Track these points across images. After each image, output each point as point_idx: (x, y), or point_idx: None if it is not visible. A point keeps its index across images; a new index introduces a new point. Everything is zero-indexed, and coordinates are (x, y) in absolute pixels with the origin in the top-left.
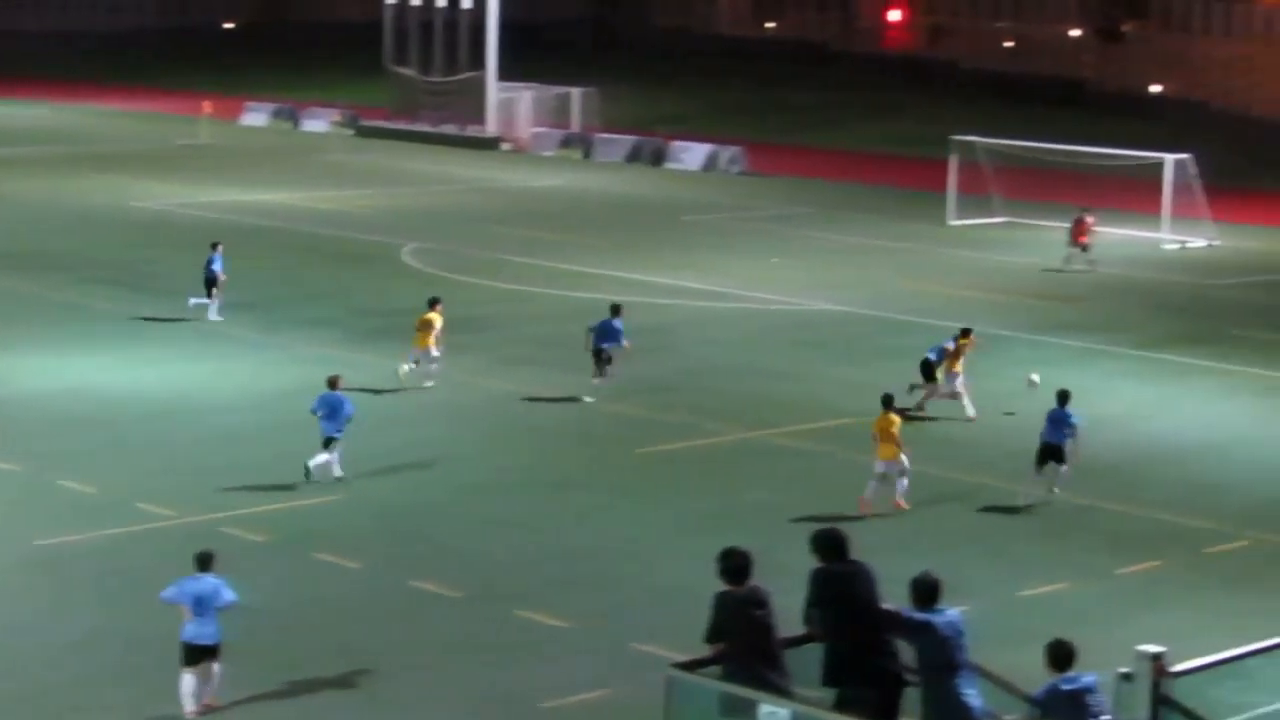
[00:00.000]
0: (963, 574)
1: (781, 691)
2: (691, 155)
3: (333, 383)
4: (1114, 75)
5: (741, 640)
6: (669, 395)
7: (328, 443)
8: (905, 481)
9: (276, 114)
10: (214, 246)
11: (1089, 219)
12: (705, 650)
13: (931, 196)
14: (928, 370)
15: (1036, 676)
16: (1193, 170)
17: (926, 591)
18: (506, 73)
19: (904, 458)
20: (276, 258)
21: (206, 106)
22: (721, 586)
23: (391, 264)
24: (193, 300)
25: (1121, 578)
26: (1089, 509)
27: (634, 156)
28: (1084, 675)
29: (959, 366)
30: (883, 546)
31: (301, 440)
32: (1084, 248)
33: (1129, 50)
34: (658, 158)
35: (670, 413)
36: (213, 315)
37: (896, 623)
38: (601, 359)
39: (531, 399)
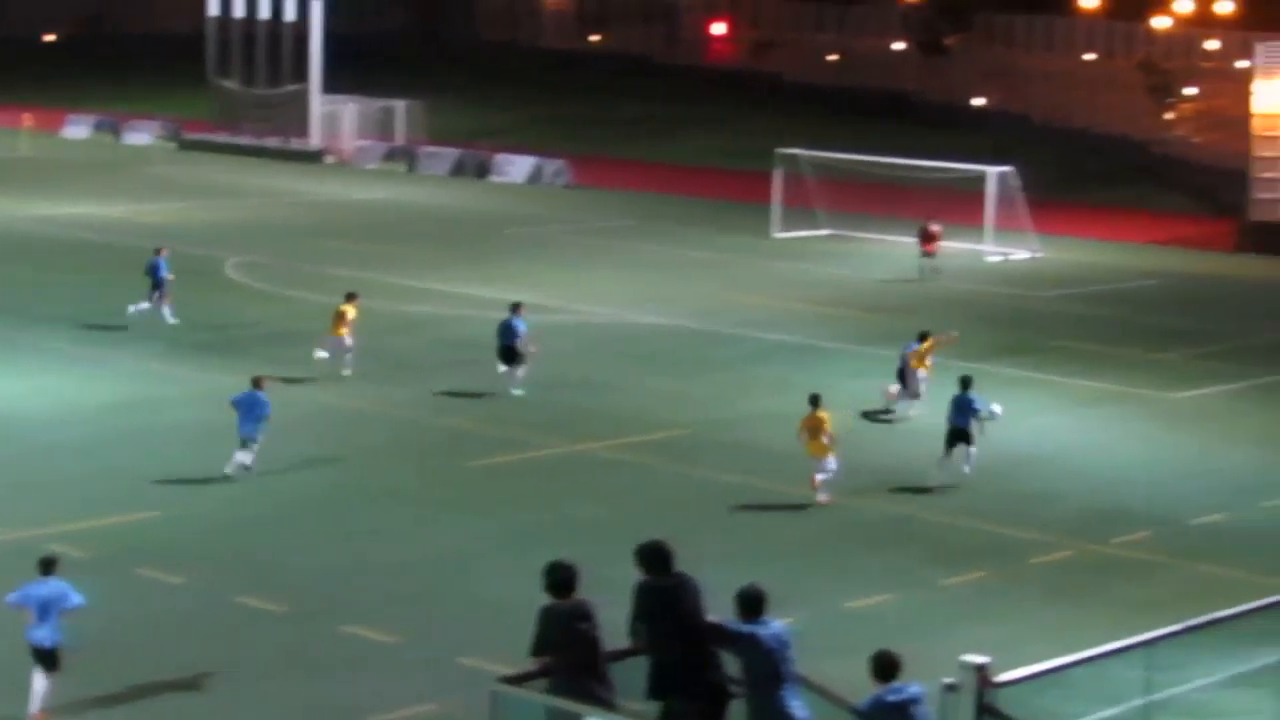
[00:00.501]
0: (789, 585)
1: (607, 705)
2: (516, 168)
3: (257, 382)
4: (938, 88)
5: (567, 654)
6: (497, 408)
7: (244, 442)
8: (827, 476)
9: (98, 126)
10: (157, 251)
11: (935, 228)
12: (531, 664)
13: (756, 209)
14: (902, 375)
15: (862, 687)
16: (1015, 183)
17: (751, 603)
18: (331, 85)
19: (831, 457)
20: (98, 271)
21: (27, 119)
22: (547, 600)
23: (215, 278)
24: (132, 308)
25: (947, 588)
26: (914, 520)
27: (458, 169)
28: (909, 686)
29: (926, 365)
30: (708, 558)
31: (126, 455)
32: (931, 256)
33: (952, 63)
34: (482, 171)
35: (498, 426)
36: (168, 318)
37: (721, 635)
38: (510, 356)
39: (358, 412)
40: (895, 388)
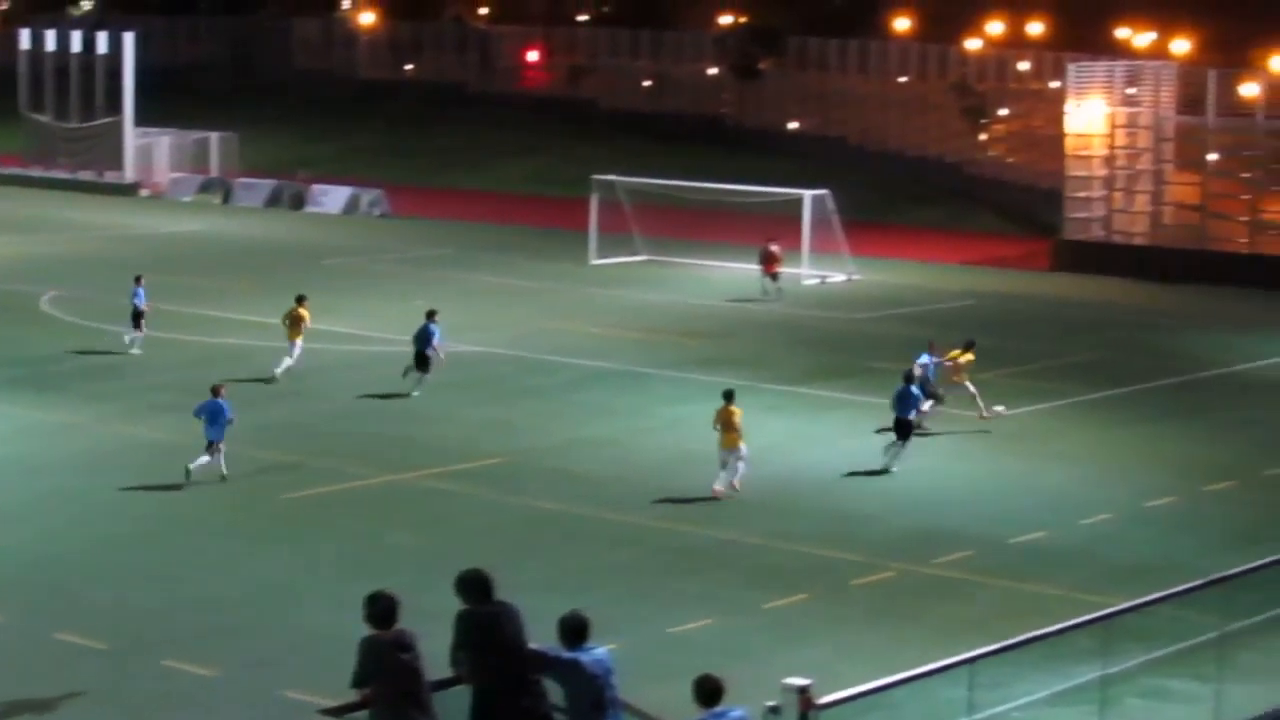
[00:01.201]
0: (610, 612)
1: None
2: (332, 198)
3: (215, 390)
4: (753, 113)
5: (389, 684)
6: (314, 439)
7: (209, 446)
8: (742, 467)
9: None
10: (137, 280)
11: (775, 249)
12: (353, 695)
13: (574, 236)
14: (925, 387)
15: (686, 712)
16: (830, 206)
17: (574, 630)
18: (144, 118)
19: (743, 446)
20: None
21: None
22: (368, 631)
23: (29, 312)
24: (128, 337)
25: (768, 612)
26: (735, 544)
27: (274, 200)
28: (732, 710)
29: (965, 378)
30: (529, 586)
31: None
32: (774, 277)
33: (767, 87)
34: (298, 201)
35: (316, 457)
36: (135, 349)
37: (544, 662)
38: (423, 362)
39: (176, 445)
40: (927, 404)
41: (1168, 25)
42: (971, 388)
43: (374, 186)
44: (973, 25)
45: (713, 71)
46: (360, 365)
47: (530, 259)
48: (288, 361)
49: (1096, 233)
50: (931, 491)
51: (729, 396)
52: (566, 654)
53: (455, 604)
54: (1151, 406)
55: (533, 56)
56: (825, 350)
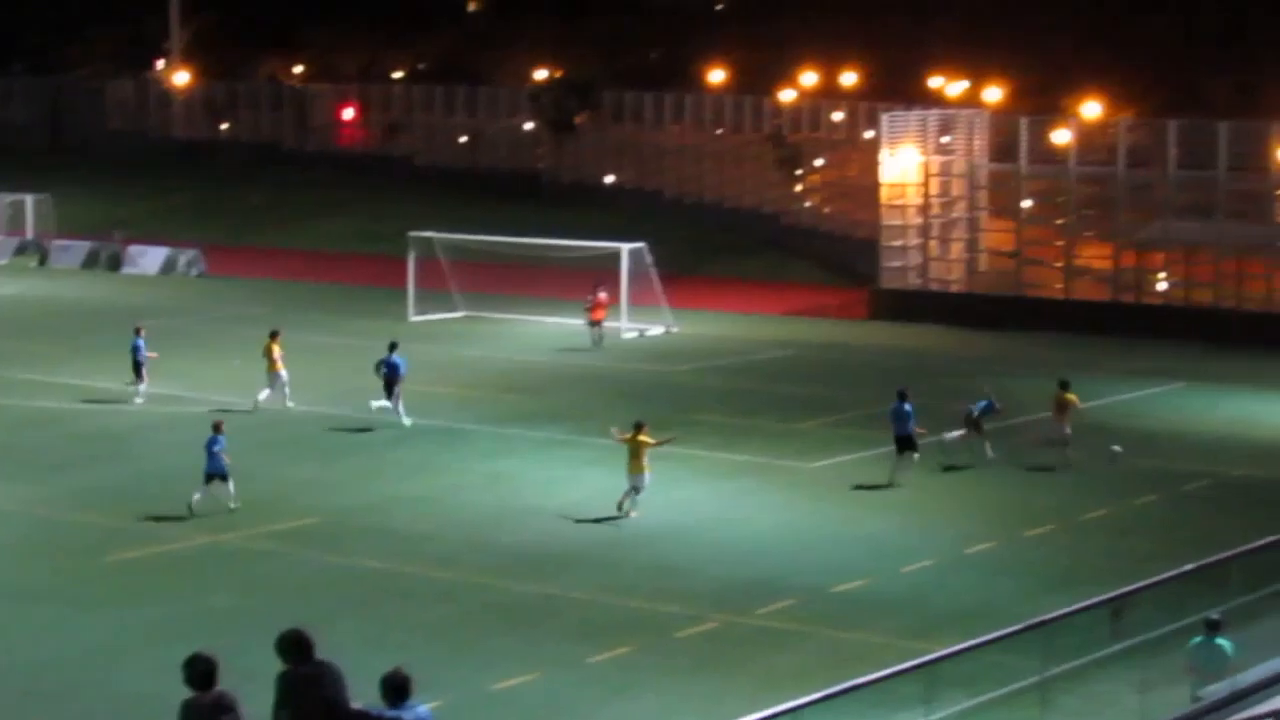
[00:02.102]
0: (433, 669)
1: None
2: (149, 259)
3: (217, 427)
4: (569, 167)
5: None
6: (132, 502)
7: (208, 479)
8: (639, 496)
9: None
10: (137, 331)
11: (602, 296)
12: None
13: (392, 293)
14: (969, 420)
15: None
16: (648, 258)
17: (396, 688)
18: None
19: (647, 475)
20: None
21: None
22: (187, 694)
23: None
24: (131, 388)
25: (593, 665)
26: (559, 598)
27: (91, 262)
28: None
29: (1067, 420)
30: (351, 644)
31: None
32: (598, 324)
33: (583, 141)
34: (115, 262)
35: (135, 520)
36: (138, 399)
37: None
38: (392, 390)
39: None
40: (959, 433)
41: (979, 74)
42: (1067, 429)
43: (191, 246)
44: (786, 76)
45: (528, 126)
46: (179, 425)
47: (349, 317)
48: (287, 390)
49: (913, 281)
50: (754, 541)
51: (639, 426)
52: (389, 712)
53: (276, 664)
54: (969, 453)
55: (348, 114)
56: (646, 403)
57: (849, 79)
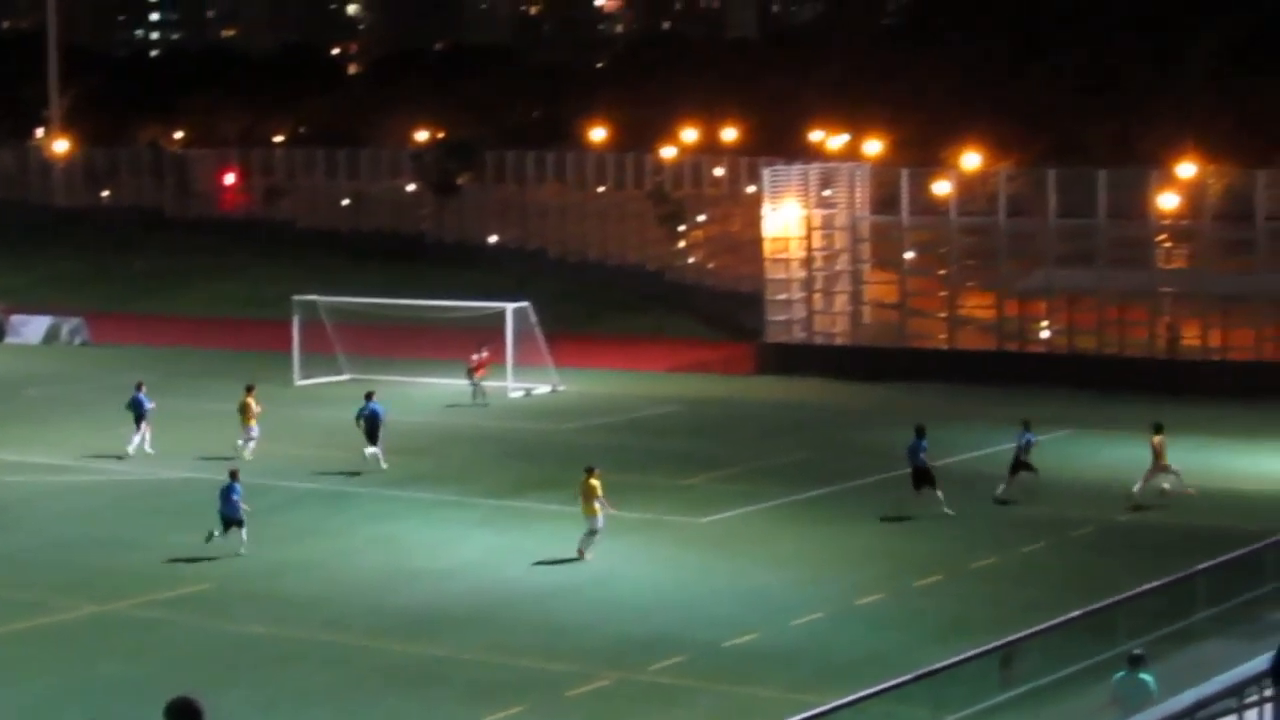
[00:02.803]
0: None
1: None
2: (32, 328)
3: (234, 474)
4: (453, 228)
5: None
6: (19, 572)
7: (227, 524)
8: (595, 539)
9: None
10: (138, 387)
11: (485, 354)
12: None
13: (278, 357)
14: (1016, 462)
15: None
16: (533, 318)
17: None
18: None
19: (600, 517)
20: None
21: None
22: None
23: None
24: (136, 447)
25: None
26: (449, 660)
27: None
28: None
29: (1165, 459)
30: (241, 711)
31: None
32: (479, 380)
33: (465, 202)
34: None
35: (21, 590)
36: (148, 449)
37: None
38: (374, 438)
39: None
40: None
41: (859, 127)
42: (1174, 467)
43: (74, 315)
44: (667, 133)
45: (411, 188)
46: (63, 495)
47: (234, 382)
48: (251, 444)
49: (798, 334)
50: (644, 597)
51: (590, 471)
52: None
53: None
54: (857, 505)
55: (229, 179)
56: (533, 462)
57: (729, 134)
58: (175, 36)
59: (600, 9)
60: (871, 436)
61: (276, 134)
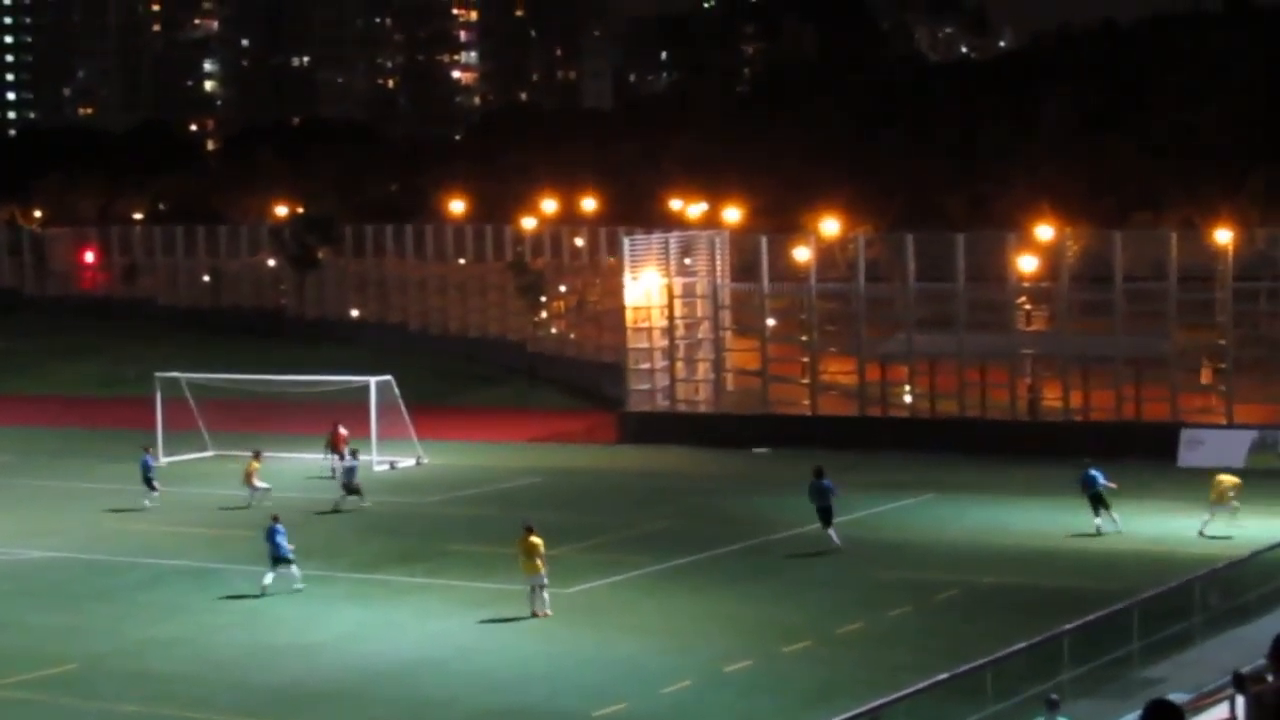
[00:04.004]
0: None
1: None
2: None
3: (275, 518)
4: (313, 302)
5: None
6: None
7: (275, 562)
8: (546, 595)
9: None
10: (146, 449)
11: (344, 430)
12: None
13: (142, 435)
14: (1096, 499)
15: None
16: (395, 391)
17: None
18: None
19: (543, 574)
20: None
21: None
22: None
23: None
24: (146, 500)
25: None
26: None
27: None
28: None
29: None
30: None
31: None
32: (342, 455)
33: (325, 277)
34: None
35: None
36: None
37: None
38: (351, 488)
39: None
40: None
41: (718, 195)
42: (1236, 504)
43: None
44: (526, 203)
45: (271, 263)
46: None
47: (98, 460)
48: (260, 494)
49: (661, 403)
50: (511, 669)
51: (529, 529)
52: None
53: None
54: (722, 572)
55: (89, 257)
56: (398, 535)
57: (588, 204)
58: (31, 115)
59: (456, 82)
60: (735, 504)
61: (134, 211)
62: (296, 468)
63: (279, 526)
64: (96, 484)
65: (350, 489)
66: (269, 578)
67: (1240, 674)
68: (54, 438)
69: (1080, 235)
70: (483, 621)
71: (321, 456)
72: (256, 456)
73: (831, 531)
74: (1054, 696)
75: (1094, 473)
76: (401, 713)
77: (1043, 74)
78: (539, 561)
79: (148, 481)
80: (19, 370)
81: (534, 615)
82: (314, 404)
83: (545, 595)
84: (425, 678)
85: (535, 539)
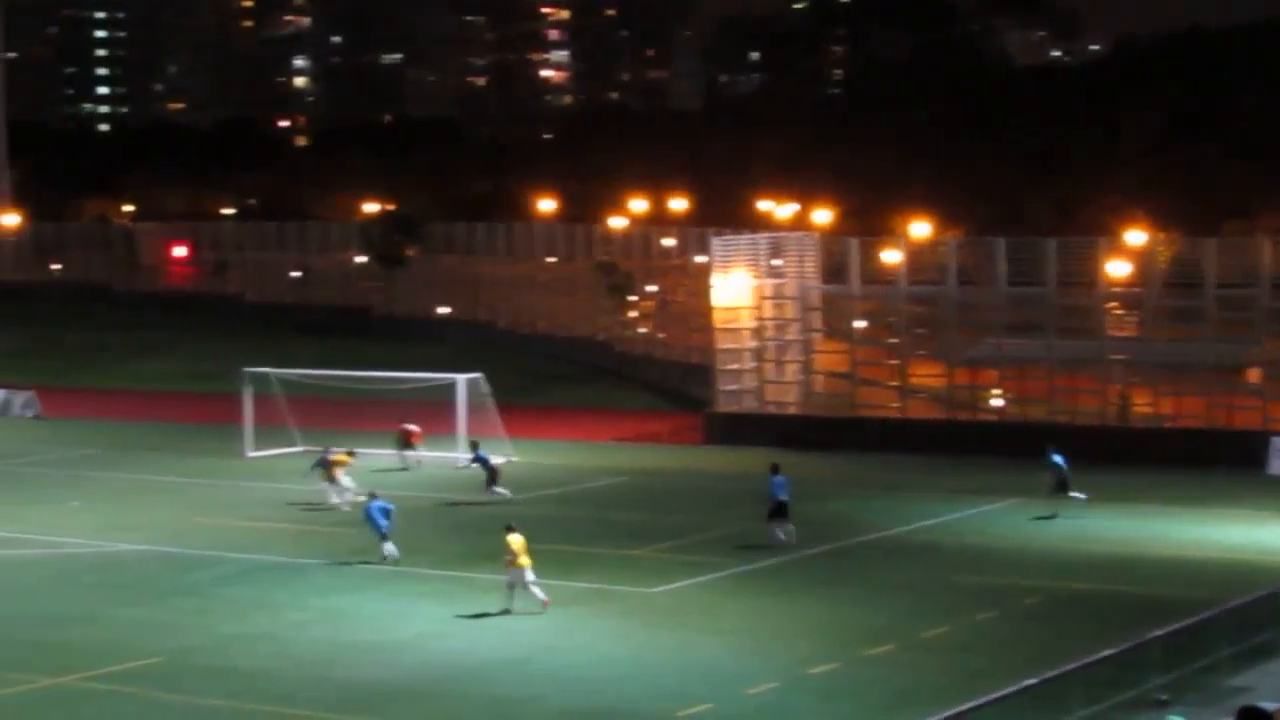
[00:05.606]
0: None
1: None
2: None
3: (372, 494)
4: (401, 300)
5: None
6: None
7: (384, 536)
8: (538, 591)
9: None
10: (326, 450)
11: (412, 426)
12: None
13: (229, 430)
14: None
15: None
16: (485, 389)
17: None
18: None
19: (528, 572)
20: None
21: None
22: None
23: None
24: (335, 498)
25: None
26: None
27: None
28: None
29: None
30: None
31: None
32: (414, 448)
33: (413, 275)
34: None
35: None
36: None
37: None
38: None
39: None
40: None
41: (806, 196)
42: None
43: (25, 388)
44: (616, 204)
45: (359, 261)
46: (10, 569)
47: (184, 455)
48: (348, 495)
49: (748, 404)
50: (595, 669)
51: (509, 527)
52: None
53: None
54: (806, 574)
55: (179, 252)
56: (483, 534)
57: (677, 205)
58: (122, 111)
59: (545, 81)
60: (820, 506)
61: (222, 207)
62: (380, 466)
63: (374, 502)
64: (184, 478)
65: (492, 480)
66: (387, 550)
67: None
68: (140, 431)
69: (1171, 241)
70: (565, 620)
71: (397, 453)
72: (351, 454)
73: (777, 528)
74: (1164, 696)
75: (1057, 458)
76: (482, 711)
77: (1131, 79)
78: (519, 559)
79: (330, 479)
80: (108, 364)
81: (507, 611)
82: (403, 401)
83: (536, 591)
84: (509, 676)
85: (514, 537)
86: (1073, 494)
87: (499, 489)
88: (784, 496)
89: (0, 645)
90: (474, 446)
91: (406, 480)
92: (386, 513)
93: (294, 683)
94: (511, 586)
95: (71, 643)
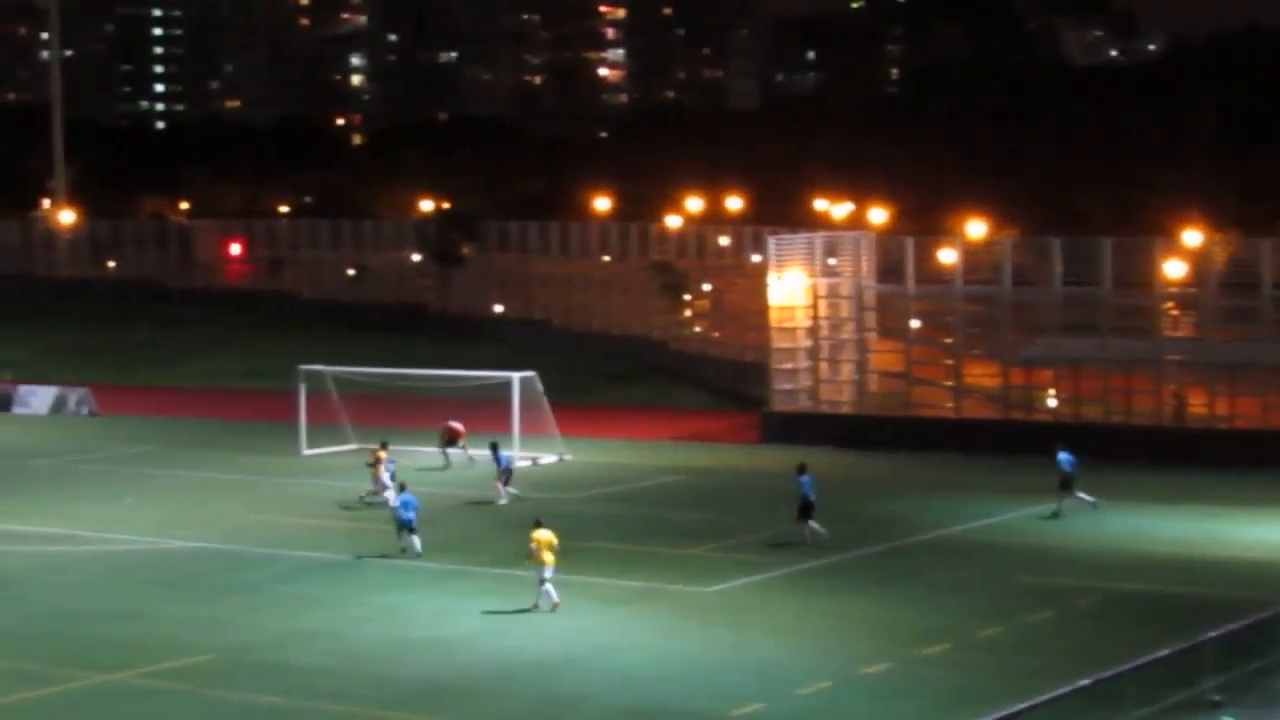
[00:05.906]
0: None
1: None
2: (39, 399)
3: (403, 486)
4: (456, 298)
5: None
6: (22, 643)
7: (410, 528)
8: (550, 590)
9: None
10: (495, 446)
11: (457, 424)
12: None
13: (284, 427)
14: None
15: None
16: (539, 387)
17: None
18: None
19: (548, 569)
20: None
21: None
22: None
23: None
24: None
25: None
26: None
27: None
28: None
29: None
30: None
31: None
32: (463, 447)
33: (469, 273)
34: (4, 404)
35: (24, 661)
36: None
37: None
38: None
39: None
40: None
41: (863, 196)
42: None
43: (80, 385)
44: (671, 202)
45: (416, 258)
46: (65, 566)
47: (240, 453)
48: (388, 493)
49: (804, 403)
50: (648, 668)
51: (538, 522)
52: None
53: None
54: (861, 574)
55: (234, 250)
56: None
57: (734, 204)
58: (178, 108)
59: (601, 80)
60: (875, 506)
61: (279, 205)
62: (436, 464)
63: (410, 497)
64: (240, 476)
65: (507, 482)
66: (414, 542)
67: None
68: (195, 428)
69: (1228, 241)
70: (619, 618)
71: (440, 450)
72: (384, 447)
73: (812, 525)
74: (1217, 698)
75: (1064, 455)
76: (538, 709)
77: (1189, 79)
78: (544, 556)
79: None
80: (163, 361)
81: (535, 607)
82: (458, 400)
83: (549, 589)
84: (562, 674)
85: (540, 533)
86: (1080, 495)
87: (508, 488)
88: (812, 496)
89: (55, 642)
90: (494, 448)
91: (458, 478)
92: (412, 506)
93: (349, 680)
94: (542, 582)
95: (126, 639)
